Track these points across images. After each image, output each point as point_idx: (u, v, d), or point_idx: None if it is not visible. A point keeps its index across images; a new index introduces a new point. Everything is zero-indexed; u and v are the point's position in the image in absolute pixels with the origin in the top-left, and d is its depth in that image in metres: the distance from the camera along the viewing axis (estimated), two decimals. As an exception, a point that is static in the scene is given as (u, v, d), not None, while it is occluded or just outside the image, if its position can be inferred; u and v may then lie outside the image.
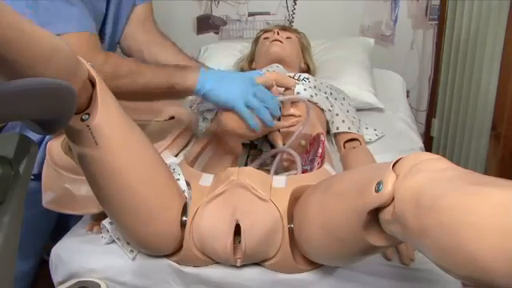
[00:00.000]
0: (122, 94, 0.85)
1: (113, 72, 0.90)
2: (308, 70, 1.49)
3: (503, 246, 0.41)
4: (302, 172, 0.95)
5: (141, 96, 0.95)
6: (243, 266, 0.80)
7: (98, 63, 0.89)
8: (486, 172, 1.71)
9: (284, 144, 1.02)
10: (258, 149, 1.11)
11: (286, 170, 1.02)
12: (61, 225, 1.19)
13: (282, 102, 1.01)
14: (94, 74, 0.66)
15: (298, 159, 0.94)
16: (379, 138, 1.28)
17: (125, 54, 1.18)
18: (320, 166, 0.92)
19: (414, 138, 1.34)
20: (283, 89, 1.06)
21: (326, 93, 1.26)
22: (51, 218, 1.16)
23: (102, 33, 1.06)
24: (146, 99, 1.00)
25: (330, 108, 1.22)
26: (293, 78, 1.25)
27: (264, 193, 0.77)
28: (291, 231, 0.77)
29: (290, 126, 1.01)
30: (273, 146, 1.06)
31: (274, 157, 1.02)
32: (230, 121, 0.94)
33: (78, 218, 1.01)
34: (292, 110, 1.10)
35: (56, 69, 0.56)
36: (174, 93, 0.94)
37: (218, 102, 0.93)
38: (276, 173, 0.98)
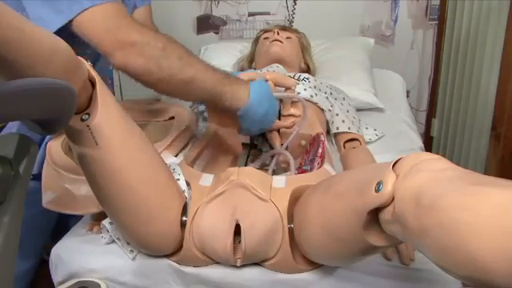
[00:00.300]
0: (162, 80, 0.80)
1: (163, 48, 0.80)
2: (308, 70, 1.49)
3: (503, 246, 0.41)
4: (302, 172, 0.95)
5: (180, 90, 0.85)
6: (243, 265, 0.80)
7: (148, 34, 0.81)
8: (486, 172, 1.71)
9: (282, 144, 1.02)
10: (258, 149, 1.12)
11: (285, 170, 1.03)
12: (61, 225, 1.19)
13: (280, 100, 1.01)
14: (93, 73, 0.66)
15: (291, 161, 0.95)
16: (379, 138, 1.28)
17: None
18: (320, 166, 0.92)
19: (414, 138, 1.34)
20: (283, 89, 1.06)
21: (326, 93, 1.26)
22: (51, 218, 1.16)
23: None
24: (183, 95, 0.90)
25: (330, 108, 1.22)
26: (293, 77, 1.25)
27: (264, 193, 0.77)
28: (291, 231, 0.77)
29: (288, 127, 1.01)
30: (272, 147, 1.06)
31: (272, 157, 1.03)
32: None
33: (78, 217, 1.01)
34: (292, 110, 1.10)
35: (56, 69, 0.56)
36: (215, 102, 0.87)
37: (244, 131, 0.97)
38: (275, 173, 0.98)
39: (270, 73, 1.08)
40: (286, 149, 1.01)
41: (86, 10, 0.79)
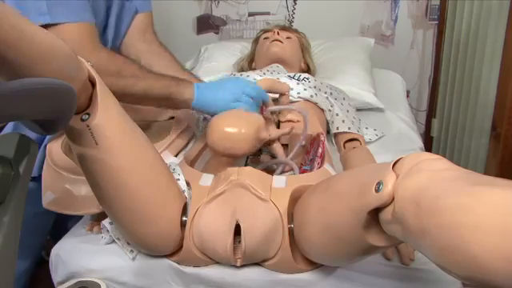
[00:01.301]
0: (120, 95, 0.86)
1: (116, 71, 0.91)
2: (308, 70, 1.49)
3: (503, 246, 0.41)
4: (302, 172, 0.95)
5: (139, 100, 0.96)
6: (243, 265, 0.80)
7: (104, 59, 0.90)
8: (486, 172, 1.71)
9: (283, 146, 1.02)
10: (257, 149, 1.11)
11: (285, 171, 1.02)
12: (59, 225, 1.19)
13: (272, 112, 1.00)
14: (94, 73, 0.66)
15: (296, 172, 0.94)
16: (379, 138, 1.28)
17: None
18: (320, 166, 0.92)
19: (414, 138, 1.34)
20: (277, 95, 1.06)
21: (326, 93, 1.26)
22: (49, 219, 1.16)
23: (103, 39, 1.06)
24: (144, 105, 1.02)
25: (330, 108, 1.22)
26: (293, 78, 1.25)
27: (264, 193, 0.77)
28: (291, 231, 0.77)
29: (287, 134, 1.00)
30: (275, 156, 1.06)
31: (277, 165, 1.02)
32: (221, 141, 0.87)
33: (77, 218, 1.01)
34: (289, 116, 1.10)
35: (56, 69, 0.56)
36: (170, 103, 0.97)
37: (211, 113, 0.96)
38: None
39: (262, 80, 1.06)
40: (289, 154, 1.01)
41: (51, 24, 0.85)
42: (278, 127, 1.06)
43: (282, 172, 0.98)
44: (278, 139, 1.01)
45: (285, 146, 1.08)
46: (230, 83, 0.99)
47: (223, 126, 0.86)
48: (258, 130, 0.88)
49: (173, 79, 0.98)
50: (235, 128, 0.85)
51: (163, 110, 1.16)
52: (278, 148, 0.99)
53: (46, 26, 0.84)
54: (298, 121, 1.08)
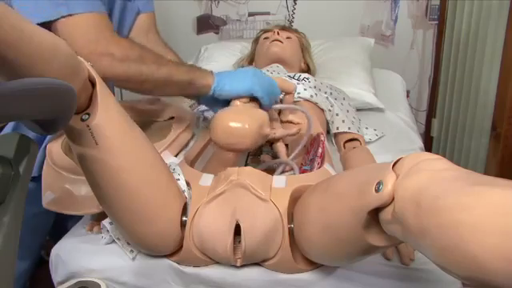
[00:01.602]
0: (140, 82, 0.88)
1: (139, 57, 0.89)
2: (308, 70, 1.49)
3: (503, 245, 0.41)
4: (303, 172, 0.95)
5: (159, 87, 0.94)
6: (243, 266, 0.80)
7: (125, 46, 0.88)
8: (486, 172, 1.71)
9: (285, 148, 1.02)
10: (257, 149, 1.11)
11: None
12: (60, 225, 1.19)
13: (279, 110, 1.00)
14: (94, 73, 0.66)
15: (296, 172, 0.94)
16: (379, 138, 1.28)
17: None
18: (320, 166, 0.92)
19: (414, 138, 1.34)
20: (283, 94, 1.06)
21: (326, 93, 1.26)
22: (49, 219, 1.16)
23: None
24: (163, 92, 1.01)
25: (330, 108, 1.22)
26: (293, 78, 1.25)
27: (264, 193, 0.77)
28: (291, 231, 0.77)
29: (293, 134, 1.00)
30: (276, 156, 1.06)
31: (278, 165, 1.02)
32: (224, 134, 0.88)
33: (77, 218, 1.01)
34: (290, 117, 1.09)
35: (56, 69, 0.56)
36: (191, 88, 0.95)
37: (232, 94, 0.96)
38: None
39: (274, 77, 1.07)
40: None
41: (69, 15, 0.84)
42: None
43: (283, 172, 0.98)
44: (282, 139, 1.01)
45: (285, 146, 1.08)
46: (249, 72, 0.99)
47: (227, 121, 0.86)
48: (262, 126, 0.88)
49: (192, 66, 0.98)
50: (239, 123, 0.86)
51: (163, 110, 1.16)
52: (280, 148, 0.99)
53: (63, 18, 0.83)
54: (298, 123, 1.08)
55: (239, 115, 0.89)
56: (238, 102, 0.96)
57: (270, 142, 1.02)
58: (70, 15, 0.84)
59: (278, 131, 0.97)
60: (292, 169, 0.96)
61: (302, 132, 1.02)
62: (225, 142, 0.87)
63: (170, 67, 0.92)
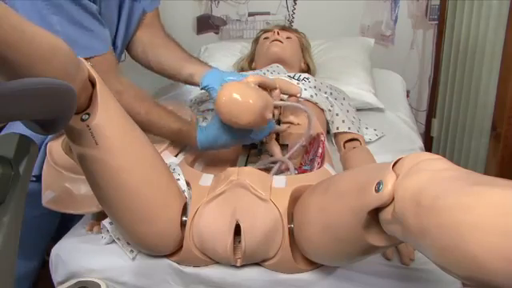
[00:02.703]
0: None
1: (134, 95, 0.93)
2: (308, 70, 1.49)
3: (503, 245, 0.41)
4: (302, 172, 0.95)
5: (148, 126, 0.95)
6: (243, 265, 0.80)
7: (127, 86, 0.93)
8: (486, 172, 1.71)
9: (282, 148, 1.02)
10: (258, 148, 1.12)
11: (286, 170, 1.02)
12: (63, 226, 1.19)
13: (275, 107, 1.00)
14: (94, 73, 0.66)
15: (292, 170, 0.94)
16: (379, 138, 1.28)
17: (130, 56, 1.19)
18: (320, 166, 0.92)
19: (414, 138, 1.34)
20: (286, 96, 1.06)
21: (326, 93, 1.26)
22: (53, 220, 1.16)
23: (114, 41, 1.07)
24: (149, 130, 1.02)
25: (330, 108, 1.22)
26: (293, 78, 1.25)
27: (264, 193, 0.77)
28: (291, 231, 0.77)
29: (282, 131, 1.01)
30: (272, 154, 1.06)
31: (274, 163, 1.02)
32: (227, 109, 0.87)
33: (79, 219, 1.01)
34: (291, 118, 1.09)
35: (56, 69, 0.56)
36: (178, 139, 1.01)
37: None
38: (275, 173, 0.98)
39: (277, 79, 1.07)
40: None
41: (94, 56, 0.88)
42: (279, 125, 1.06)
43: (279, 171, 0.98)
44: (277, 139, 1.01)
45: (285, 146, 1.08)
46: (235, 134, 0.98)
47: (233, 92, 0.86)
48: (266, 107, 0.88)
49: (182, 127, 0.99)
50: (244, 96, 0.86)
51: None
52: (273, 146, 1.00)
53: None
54: (298, 124, 1.08)
55: (247, 89, 0.88)
56: (250, 79, 0.95)
57: (264, 142, 1.03)
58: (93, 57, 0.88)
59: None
60: (288, 168, 0.96)
61: (301, 132, 1.02)
62: (227, 111, 0.86)
63: (158, 111, 0.96)
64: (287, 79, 1.22)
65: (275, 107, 1.03)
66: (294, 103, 1.06)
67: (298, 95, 1.07)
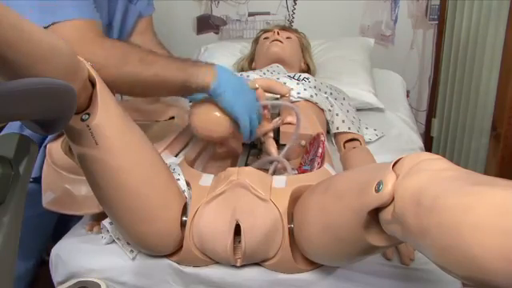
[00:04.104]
0: (129, 85, 0.86)
1: (122, 56, 0.84)
2: (308, 70, 1.49)
3: (503, 245, 0.41)
4: (302, 172, 0.95)
5: (150, 89, 0.90)
6: (243, 265, 0.80)
7: (108, 46, 0.85)
8: (486, 172, 1.71)
9: (278, 147, 1.02)
10: (258, 148, 1.11)
11: (285, 171, 1.02)
12: (61, 226, 1.19)
13: (263, 106, 1.00)
14: (94, 73, 0.66)
15: (289, 169, 0.94)
16: (379, 138, 1.28)
17: None
18: (320, 166, 0.92)
19: (413, 138, 1.34)
20: (278, 96, 1.06)
21: (326, 93, 1.26)
22: (51, 220, 1.16)
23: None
24: (156, 94, 0.99)
25: (330, 108, 1.22)
26: (293, 78, 1.25)
27: (264, 193, 0.77)
28: (291, 231, 0.77)
29: (271, 130, 1.02)
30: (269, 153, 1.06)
31: (271, 163, 1.02)
32: (202, 124, 0.95)
33: (78, 219, 1.01)
34: (289, 119, 1.09)
35: (56, 69, 0.56)
36: (185, 89, 0.90)
37: (227, 108, 0.92)
38: (275, 173, 0.98)
39: (261, 79, 1.06)
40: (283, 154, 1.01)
41: (64, 21, 0.82)
42: (278, 131, 1.05)
43: (275, 170, 0.98)
44: (274, 137, 1.01)
45: (284, 146, 1.08)
46: (250, 92, 0.97)
47: (201, 112, 0.94)
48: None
49: (189, 61, 0.91)
50: (210, 112, 0.93)
51: (163, 111, 1.16)
52: (270, 146, 1.00)
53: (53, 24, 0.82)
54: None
55: (211, 105, 0.93)
56: (258, 82, 0.99)
57: (261, 141, 1.03)
58: (64, 21, 0.82)
59: (265, 127, 1.00)
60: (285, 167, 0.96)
61: (292, 131, 1.02)
62: (201, 131, 0.95)
63: (160, 66, 0.87)
64: (287, 79, 1.22)
65: (263, 107, 1.02)
66: (281, 102, 1.05)
67: (287, 95, 1.06)
